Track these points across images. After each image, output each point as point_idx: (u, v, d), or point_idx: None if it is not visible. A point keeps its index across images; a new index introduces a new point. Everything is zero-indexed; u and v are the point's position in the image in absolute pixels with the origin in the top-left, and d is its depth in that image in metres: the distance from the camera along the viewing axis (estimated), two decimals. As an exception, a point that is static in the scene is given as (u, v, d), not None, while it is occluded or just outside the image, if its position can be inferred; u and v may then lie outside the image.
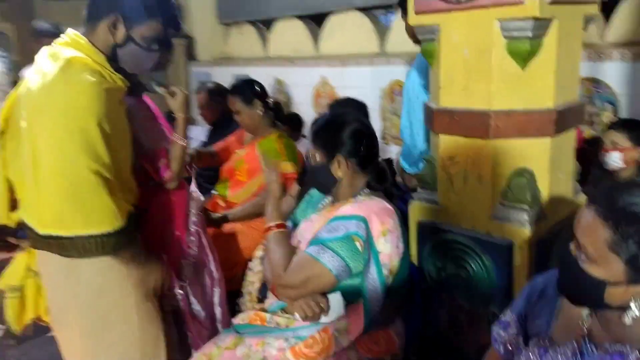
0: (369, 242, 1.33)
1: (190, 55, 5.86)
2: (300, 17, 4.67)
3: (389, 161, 1.65)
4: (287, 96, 4.62)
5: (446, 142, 1.49)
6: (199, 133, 4.35)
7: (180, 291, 1.82)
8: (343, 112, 1.59)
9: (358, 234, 1.31)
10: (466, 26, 1.36)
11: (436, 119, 1.49)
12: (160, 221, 1.79)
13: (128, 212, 1.34)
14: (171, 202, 1.81)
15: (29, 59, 1.57)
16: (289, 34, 4.73)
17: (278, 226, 1.46)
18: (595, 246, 0.84)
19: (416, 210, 1.63)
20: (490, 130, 1.36)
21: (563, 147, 1.45)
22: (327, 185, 1.47)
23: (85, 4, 1.38)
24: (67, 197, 1.24)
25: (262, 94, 2.51)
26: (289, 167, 2.29)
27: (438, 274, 1.56)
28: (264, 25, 5.13)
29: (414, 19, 1.48)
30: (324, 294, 1.36)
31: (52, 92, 1.25)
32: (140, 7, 1.36)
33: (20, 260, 1.38)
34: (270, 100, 2.56)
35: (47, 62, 1.31)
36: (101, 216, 1.27)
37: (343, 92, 3.68)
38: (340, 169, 1.42)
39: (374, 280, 1.35)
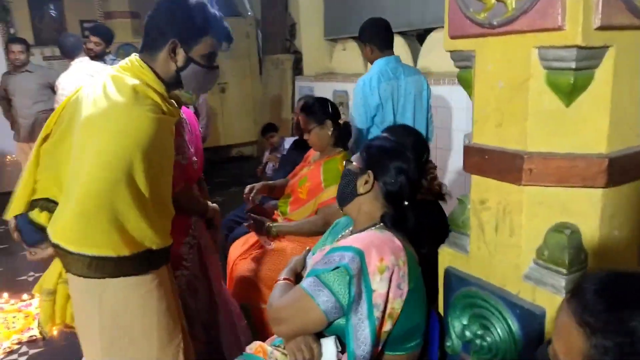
0: (362, 277, 1.22)
1: (298, 70, 6.03)
2: (403, 34, 4.55)
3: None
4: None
5: (478, 183, 1.30)
6: (287, 142, 4.45)
7: None
8: (403, 143, 1.49)
9: (347, 267, 1.21)
10: (501, 54, 1.17)
11: (467, 157, 1.31)
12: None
13: (164, 231, 1.40)
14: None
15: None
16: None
17: (286, 279, 1.44)
18: (568, 356, 0.64)
19: (445, 256, 1.45)
20: (523, 174, 1.16)
21: (623, 201, 1.18)
22: None
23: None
24: (99, 217, 1.28)
25: (334, 114, 2.47)
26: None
27: (462, 332, 1.37)
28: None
29: (448, 44, 1.32)
30: (319, 337, 1.27)
31: (111, 117, 1.31)
32: (193, 27, 1.41)
33: (56, 264, 1.45)
34: (342, 121, 2.52)
35: (110, 86, 1.36)
36: (134, 238, 1.32)
37: (437, 111, 3.48)
38: (364, 185, 1.38)
39: (362, 321, 1.21)
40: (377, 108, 2.76)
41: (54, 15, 5.98)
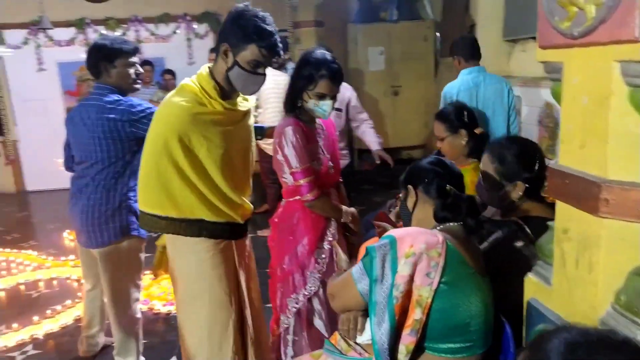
0: (390, 260, 1.26)
1: (473, 72, 5.78)
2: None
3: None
4: (555, 122, 4.09)
5: (561, 209, 1.17)
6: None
7: (302, 299, 1.99)
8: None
9: (372, 250, 1.28)
10: (585, 67, 1.04)
11: (550, 179, 1.18)
12: (288, 231, 2.00)
13: (215, 208, 1.71)
14: (308, 218, 1.99)
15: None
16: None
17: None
18: None
19: (530, 286, 1.32)
20: (599, 204, 1.01)
21: None
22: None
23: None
24: (150, 181, 1.68)
25: (470, 123, 2.39)
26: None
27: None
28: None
29: (540, 54, 1.20)
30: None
31: (160, 107, 1.72)
32: (241, 34, 1.60)
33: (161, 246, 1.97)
34: (477, 130, 2.41)
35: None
36: (179, 202, 1.66)
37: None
38: (411, 199, 1.47)
39: (383, 299, 1.26)
40: None
41: (255, 26, 6.87)
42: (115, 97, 2.23)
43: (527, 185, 1.67)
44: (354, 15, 6.76)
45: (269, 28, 1.62)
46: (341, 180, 2.27)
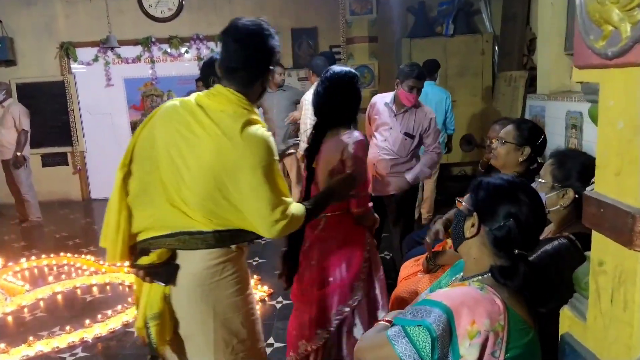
0: (450, 340, 1.12)
1: (533, 87, 5.58)
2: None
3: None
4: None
5: (597, 240, 1.09)
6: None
7: (347, 309, 1.98)
8: (515, 182, 1.31)
9: (430, 327, 1.12)
10: (620, 89, 0.97)
11: (585, 207, 1.11)
12: (336, 244, 1.99)
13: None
14: (357, 228, 2.00)
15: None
16: None
17: (388, 321, 1.35)
18: None
19: (565, 319, 1.24)
20: (634, 237, 0.93)
21: None
22: None
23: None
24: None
25: (539, 148, 2.28)
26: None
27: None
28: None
29: (576, 75, 1.13)
30: None
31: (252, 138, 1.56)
32: (275, 54, 1.57)
33: (156, 289, 1.58)
34: (539, 160, 2.31)
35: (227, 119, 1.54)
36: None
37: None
38: (471, 229, 1.29)
39: None
40: None
41: (309, 42, 6.97)
42: None
43: (576, 196, 1.59)
44: (409, 30, 6.71)
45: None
46: None
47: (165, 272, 1.55)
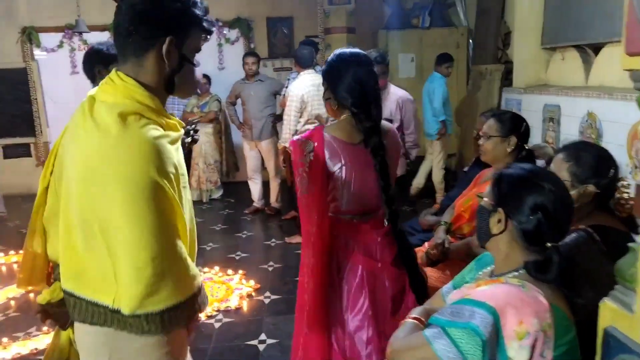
0: (496, 342, 1.08)
1: (507, 81, 5.67)
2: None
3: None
4: (598, 133, 3.94)
5: (649, 231, 1.08)
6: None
7: None
8: (538, 172, 1.29)
9: (477, 330, 1.07)
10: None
11: (637, 196, 1.09)
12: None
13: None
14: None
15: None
16: (616, 62, 4.01)
17: (415, 319, 1.31)
18: None
19: (606, 312, 1.22)
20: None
21: None
22: None
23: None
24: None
25: (524, 136, 2.28)
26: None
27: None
28: (593, 51, 4.48)
29: (626, 62, 1.12)
30: None
31: (113, 142, 1.10)
32: (184, 18, 1.16)
33: (64, 333, 1.40)
34: (527, 147, 2.31)
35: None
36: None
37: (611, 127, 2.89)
38: (497, 225, 1.24)
39: None
40: None
41: (285, 32, 6.84)
42: None
43: (597, 191, 1.59)
44: (385, 21, 6.70)
45: None
46: None
47: (62, 313, 1.23)
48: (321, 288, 1.76)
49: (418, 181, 5.68)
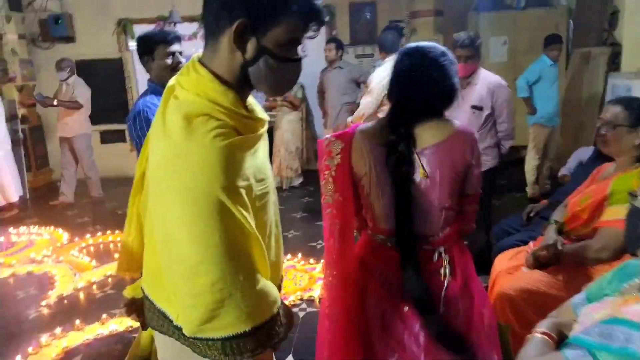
0: None
1: (615, 65, 5.15)
2: None
3: None
4: None
5: None
6: (582, 153, 3.91)
7: None
8: None
9: (637, 357, 0.92)
10: None
11: None
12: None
13: None
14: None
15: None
16: None
17: (545, 334, 1.15)
18: None
19: None
20: None
21: None
22: None
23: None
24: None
25: None
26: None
27: None
28: None
29: None
30: None
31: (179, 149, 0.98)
32: (271, 3, 0.96)
33: (145, 332, 1.39)
34: None
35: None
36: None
37: None
38: None
39: None
40: None
41: (368, 17, 6.68)
42: (143, 99, 2.14)
43: None
44: (475, 2, 6.33)
45: None
46: None
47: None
48: (344, 319, 1.54)
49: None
